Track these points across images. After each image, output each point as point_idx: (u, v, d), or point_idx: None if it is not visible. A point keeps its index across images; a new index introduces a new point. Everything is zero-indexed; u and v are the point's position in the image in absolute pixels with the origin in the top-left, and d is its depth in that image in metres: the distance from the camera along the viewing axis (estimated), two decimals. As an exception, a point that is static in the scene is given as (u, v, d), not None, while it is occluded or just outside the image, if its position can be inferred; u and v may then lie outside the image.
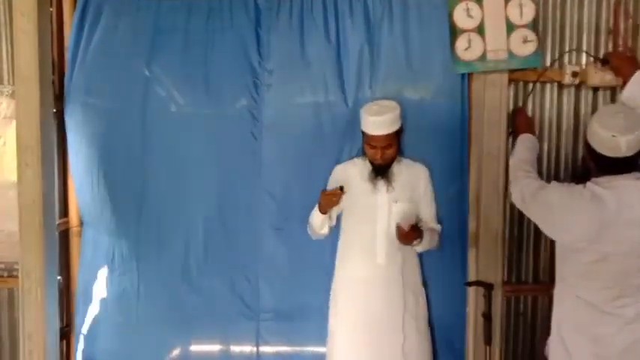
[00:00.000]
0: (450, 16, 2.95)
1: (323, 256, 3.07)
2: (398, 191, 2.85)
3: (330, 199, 2.77)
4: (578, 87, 3.06)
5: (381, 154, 2.78)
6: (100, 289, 3.26)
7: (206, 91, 3.12)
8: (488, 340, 2.78)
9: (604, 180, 2.24)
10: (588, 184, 2.28)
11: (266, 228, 3.17)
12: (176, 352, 3.24)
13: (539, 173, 2.78)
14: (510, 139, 2.96)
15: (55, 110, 3.15)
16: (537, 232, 2.95)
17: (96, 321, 3.27)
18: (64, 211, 3.31)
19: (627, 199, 2.19)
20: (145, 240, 3.21)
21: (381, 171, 2.84)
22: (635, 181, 2.21)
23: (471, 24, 2.94)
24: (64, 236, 3.30)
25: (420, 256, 3.01)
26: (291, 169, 3.12)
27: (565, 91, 3.08)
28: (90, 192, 3.19)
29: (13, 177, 3.06)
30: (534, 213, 2.45)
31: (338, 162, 3.03)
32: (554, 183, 2.41)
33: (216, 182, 3.17)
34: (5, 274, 3.28)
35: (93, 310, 3.27)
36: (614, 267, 2.24)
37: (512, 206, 2.65)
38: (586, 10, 3.07)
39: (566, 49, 3.05)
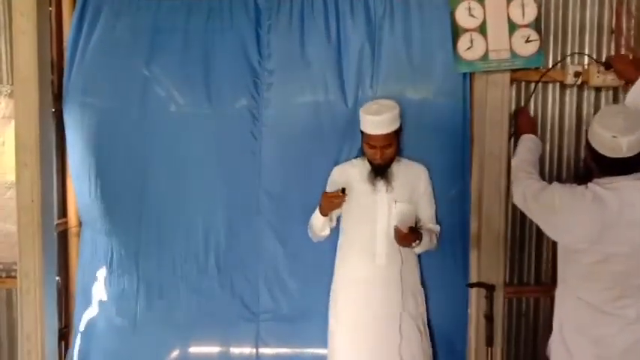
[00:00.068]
0: (452, 15, 2.94)
1: (323, 257, 3.05)
2: (397, 191, 2.84)
3: (332, 202, 2.76)
4: (580, 87, 3.05)
5: (381, 153, 2.77)
6: (98, 289, 3.25)
7: (206, 90, 3.10)
8: (489, 341, 2.78)
9: (606, 181, 2.24)
10: (590, 185, 2.29)
11: (266, 228, 3.15)
12: (175, 353, 3.22)
13: (542, 174, 2.80)
14: (512, 140, 2.95)
15: (53, 110, 3.15)
16: (539, 233, 2.94)
17: (94, 322, 3.25)
18: (63, 212, 3.30)
19: (628, 200, 2.19)
20: (143, 240, 3.19)
21: (380, 171, 2.83)
22: (636, 182, 2.21)
23: (473, 23, 2.93)
24: (63, 236, 3.29)
25: (421, 257, 3.00)
26: (291, 169, 3.11)
27: (567, 91, 3.07)
28: (88, 192, 3.18)
29: (12, 177, 3.07)
30: (536, 214, 2.45)
31: (338, 162, 3.02)
32: (555, 184, 2.41)
33: (216, 182, 3.15)
34: (4, 274, 3.27)
35: (91, 311, 3.26)
36: (615, 268, 2.24)
37: (514, 207, 2.64)
38: (588, 9, 3.07)
39: (569, 48, 3.05)
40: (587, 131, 2.36)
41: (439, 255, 3.01)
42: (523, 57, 2.91)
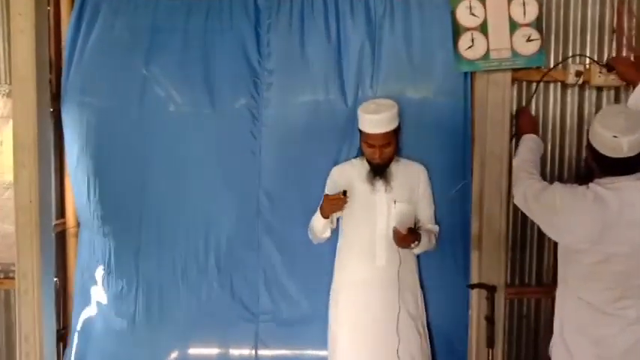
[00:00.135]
0: (453, 14, 2.93)
1: (322, 258, 3.04)
2: (396, 191, 2.83)
3: (334, 204, 2.75)
4: (582, 86, 3.04)
5: (380, 153, 2.77)
6: (96, 290, 3.23)
7: (205, 90, 3.09)
8: (490, 342, 2.78)
9: (607, 181, 2.25)
10: (591, 185, 2.29)
11: (265, 228, 3.14)
12: (174, 355, 3.20)
13: (543, 174, 2.79)
14: (514, 140, 2.93)
15: (52, 110, 3.14)
16: (541, 233, 2.92)
17: (92, 323, 3.24)
18: (61, 212, 3.29)
19: (629, 200, 2.20)
20: (142, 241, 3.18)
21: (379, 171, 2.82)
22: (637, 182, 2.22)
23: (474, 22, 2.91)
24: (61, 237, 3.28)
25: (422, 257, 2.99)
26: (290, 168, 3.09)
27: (569, 91, 3.07)
28: (87, 193, 3.16)
29: (10, 177, 3.06)
30: (537, 214, 2.44)
31: (338, 162, 3.01)
32: (556, 184, 2.41)
33: (216, 182, 3.13)
34: (2, 275, 3.26)
35: (89, 311, 3.25)
36: (616, 268, 2.25)
37: (516, 207, 2.63)
38: (590, 9, 3.06)
39: (570, 48, 3.05)
40: (588, 131, 2.36)
41: (439, 256, 3.01)
42: (524, 56, 2.90)
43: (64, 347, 3.32)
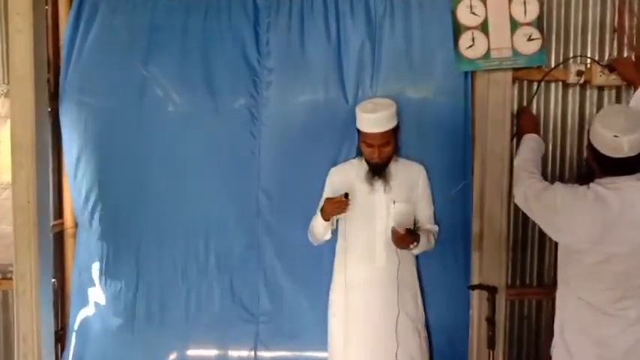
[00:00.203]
0: (453, 13, 2.92)
1: (322, 258, 3.03)
2: (396, 191, 2.82)
3: (335, 207, 2.74)
4: (583, 86, 3.04)
5: (378, 152, 2.76)
6: (94, 291, 3.22)
7: (204, 89, 3.08)
8: (491, 344, 2.79)
9: (607, 181, 2.25)
10: (592, 185, 2.29)
11: (265, 228, 3.13)
12: (172, 356, 3.19)
13: (544, 173, 2.80)
14: (515, 140, 2.92)
15: (50, 109, 3.12)
16: (542, 234, 2.92)
17: (90, 324, 3.23)
18: (59, 213, 3.28)
19: (629, 200, 2.20)
20: (141, 241, 3.17)
21: (378, 171, 2.81)
22: (638, 182, 2.22)
23: (475, 21, 2.91)
24: (59, 238, 3.27)
25: (423, 258, 2.98)
26: (290, 168, 3.08)
27: (570, 91, 3.06)
28: (85, 193, 3.15)
29: (8, 177, 3.04)
30: (537, 214, 2.44)
31: (337, 161, 3.01)
32: (557, 184, 2.41)
33: (215, 182, 3.12)
34: (-1, 276, 3.25)
35: (87, 312, 3.23)
36: (616, 268, 2.25)
37: (517, 207, 2.63)
38: (590, 8, 3.06)
39: (571, 47, 3.05)
40: (589, 131, 2.36)
41: (440, 256, 3.00)
42: (525, 55, 2.90)
43: (62, 348, 3.30)
